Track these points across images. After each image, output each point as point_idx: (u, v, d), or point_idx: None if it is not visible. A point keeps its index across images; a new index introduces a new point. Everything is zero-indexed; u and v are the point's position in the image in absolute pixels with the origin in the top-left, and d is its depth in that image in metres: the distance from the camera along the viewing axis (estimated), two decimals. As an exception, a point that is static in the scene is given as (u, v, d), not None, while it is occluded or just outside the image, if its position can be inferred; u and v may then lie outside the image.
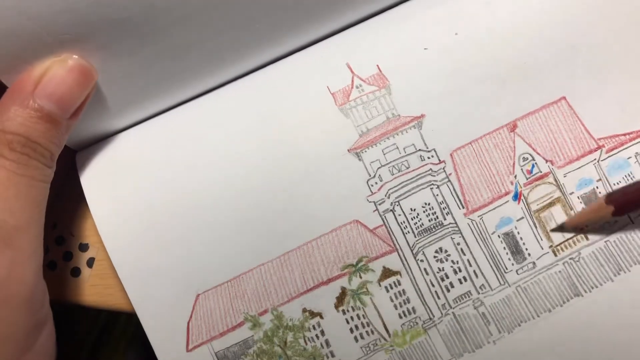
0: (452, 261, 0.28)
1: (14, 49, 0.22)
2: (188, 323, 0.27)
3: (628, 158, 0.28)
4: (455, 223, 0.28)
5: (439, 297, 0.27)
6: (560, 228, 0.27)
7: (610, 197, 0.26)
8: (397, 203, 0.28)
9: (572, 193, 0.28)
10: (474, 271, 0.27)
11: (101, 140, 0.29)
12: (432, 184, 0.28)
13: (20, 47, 0.22)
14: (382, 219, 0.28)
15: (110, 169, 0.28)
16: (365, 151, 0.28)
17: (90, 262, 0.29)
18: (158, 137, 0.28)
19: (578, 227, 0.27)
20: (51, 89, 0.23)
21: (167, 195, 0.28)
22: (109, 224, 0.27)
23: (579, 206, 0.28)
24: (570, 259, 0.27)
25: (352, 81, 0.28)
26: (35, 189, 0.23)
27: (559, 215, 0.28)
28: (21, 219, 0.23)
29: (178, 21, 0.24)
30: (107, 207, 0.27)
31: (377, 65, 0.28)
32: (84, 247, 0.30)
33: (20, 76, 0.23)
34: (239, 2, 0.24)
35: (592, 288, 0.27)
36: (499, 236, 0.28)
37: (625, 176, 0.28)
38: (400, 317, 0.27)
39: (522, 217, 0.28)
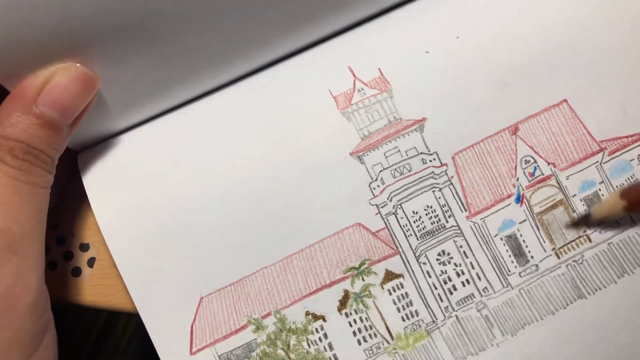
0: (455, 264, 0.28)
1: (17, 55, 0.22)
2: (191, 326, 0.27)
3: (631, 160, 0.28)
4: (458, 226, 0.28)
5: (441, 300, 0.27)
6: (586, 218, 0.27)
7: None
8: (399, 206, 0.28)
9: (574, 195, 0.28)
10: (477, 274, 0.27)
11: (103, 141, 0.29)
12: (434, 186, 0.28)
13: (24, 53, 0.22)
14: (385, 222, 0.28)
15: (112, 170, 0.28)
16: (367, 154, 0.28)
17: (91, 262, 0.29)
18: (160, 138, 0.28)
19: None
20: (54, 97, 0.23)
21: (170, 196, 0.28)
22: (112, 226, 0.27)
23: (581, 209, 0.28)
24: (573, 261, 0.27)
25: (354, 85, 0.28)
26: (38, 196, 0.23)
27: (561, 218, 0.28)
28: (26, 226, 0.23)
29: (180, 26, 0.24)
30: (110, 208, 0.28)
31: (379, 69, 0.28)
32: (84, 247, 0.30)
33: (23, 82, 0.23)
34: (240, 5, 0.24)
35: (596, 290, 0.27)
36: (501, 239, 0.28)
37: (628, 178, 0.28)
38: (403, 320, 0.27)
39: (525, 220, 0.28)
